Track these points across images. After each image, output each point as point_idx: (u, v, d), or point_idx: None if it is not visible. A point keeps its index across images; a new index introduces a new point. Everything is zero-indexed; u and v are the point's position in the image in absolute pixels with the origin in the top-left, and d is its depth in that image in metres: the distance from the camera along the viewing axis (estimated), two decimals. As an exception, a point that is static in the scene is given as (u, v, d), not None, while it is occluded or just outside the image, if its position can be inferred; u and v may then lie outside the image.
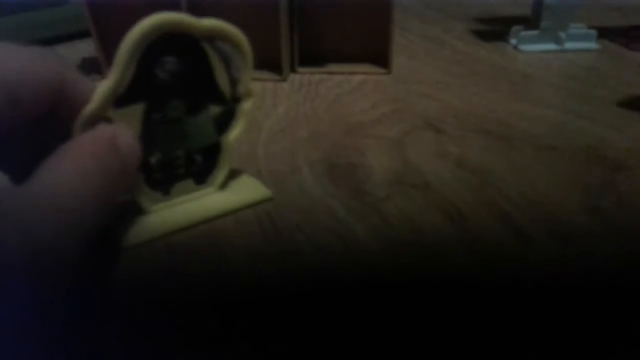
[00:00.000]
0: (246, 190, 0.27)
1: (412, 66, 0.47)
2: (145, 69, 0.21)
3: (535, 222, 0.24)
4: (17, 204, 0.15)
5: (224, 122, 0.25)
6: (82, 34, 0.50)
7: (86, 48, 0.50)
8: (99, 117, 0.21)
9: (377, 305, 0.20)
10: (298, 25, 0.44)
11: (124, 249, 0.23)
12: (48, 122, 0.19)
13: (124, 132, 0.20)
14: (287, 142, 0.32)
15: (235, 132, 0.26)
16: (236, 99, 0.25)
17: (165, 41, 0.21)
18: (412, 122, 0.35)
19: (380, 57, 0.45)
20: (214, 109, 0.25)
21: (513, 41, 0.53)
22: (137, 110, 0.22)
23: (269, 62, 0.44)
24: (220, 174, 0.26)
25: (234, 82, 0.25)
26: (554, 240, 0.23)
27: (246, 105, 0.26)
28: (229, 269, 0.22)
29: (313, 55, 0.46)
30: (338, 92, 0.41)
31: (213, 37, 0.23)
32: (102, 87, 0.21)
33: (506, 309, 0.19)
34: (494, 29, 0.58)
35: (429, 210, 0.25)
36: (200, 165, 0.26)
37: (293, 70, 0.45)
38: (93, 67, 0.46)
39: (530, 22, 0.53)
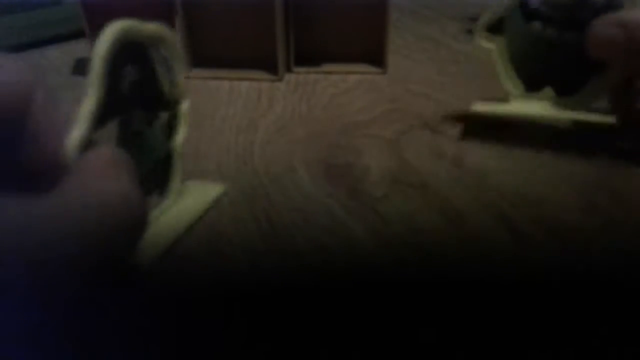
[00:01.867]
0: (202, 193, 0.26)
1: (408, 66, 0.47)
2: (112, 83, 0.20)
3: (533, 221, 0.24)
4: (33, 216, 0.14)
5: (172, 127, 0.25)
6: (77, 35, 0.50)
7: (81, 48, 0.50)
8: (88, 141, 0.19)
9: (374, 303, 0.20)
10: (294, 25, 0.44)
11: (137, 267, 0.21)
12: (9, 144, 0.17)
13: (117, 151, 0.19)
14: (283, 142, 0.32)
15: (181, 136, 0.25)
16: (177, 101, 0.24)
17: (124, 51, 0.20)
18: (408, 122, 0.35)
19: (376, 57, 0.45)
20: (163, 116, 0.24)
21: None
22: (111, 128, 0.21)
23: (264, 62, 0.44)
24: (176, 183, 0.25)
25: (173, 84, 0.24)
26: (551, 238, 0.23)
27: (185, 106, 0.25)
28: (228, 268, 0.22)
29: (309, 55, 0.46)
30: (334, 91, 0.41)
31: (155, 41, 0.22)
32: (85, 107, 0.19)
33: (504, 307, 0.19)
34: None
35: (426, 210, 0.25)
36: (159, 177, 0.24)
37: (289, 70, 0.45)
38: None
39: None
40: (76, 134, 0.18)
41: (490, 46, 0.32)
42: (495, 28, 0.31)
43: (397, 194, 0.27)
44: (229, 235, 0.24)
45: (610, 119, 0.30)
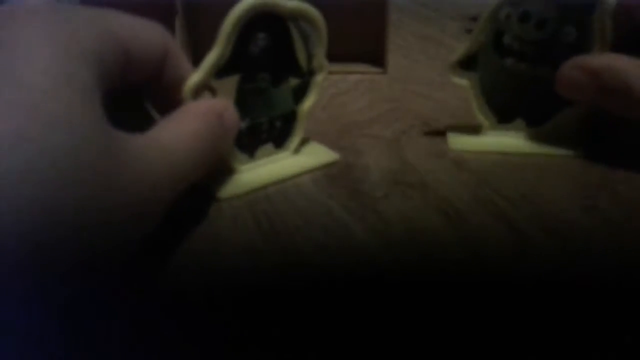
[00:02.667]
0: (317, 155, 0.30)
1: (408, 65, 0.47)
2: (240, 45, 0.25)
3: (533, 221, 0.24)
4: (135, 146, 0.18)
5: (301, 93, 0.29)
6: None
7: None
8: (204, 86, 0.24)
9: (375, 303, 0.20)
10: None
11: (216, 201, 0.26)
12: (149, 89, 0.24)
13: (229, 105, 0.25)
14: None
15: (309, 102, 0.29)
16: (311, 72, 0.29)
17: (259, 20, 0.25)
18: (408, 122, 0.35)
19: (376, 57, 0.45)
20: (293, 81, 0.28)
21: (508, 40, 0.53)
22: (232, 80, 0.26)
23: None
24: (295, 140, 0.30)
25: (310, 57, 0.28)
26: (551, 238, 0.23)
27: (319, 78, 0.29)
28: (227, 268, 0.22)
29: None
30: (334, 91, 0.41)
31: (296, 17, 0.26)
32: (209, 59, 0.24)
33: (504, 306, 0.19)
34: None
35: (426, 210, 0.25)
36: (280, 131, 0.29)
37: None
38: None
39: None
40: (194, 78, 0.24)
41: (463, 82, 0.32)
42: (468, 64, 0.32)
43: (397, 194, 0.27)
44: (229, 235, 0.24)
45: (574, 153, 0.31)
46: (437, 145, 0.32)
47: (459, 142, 0.32)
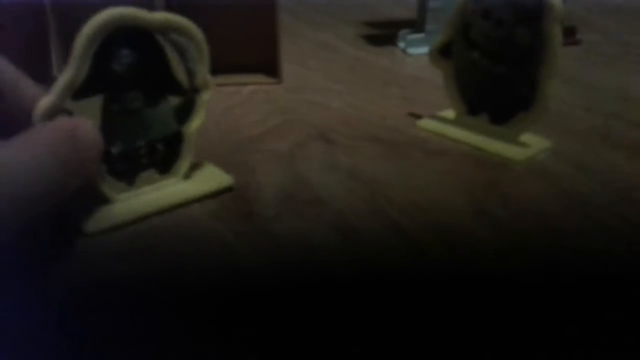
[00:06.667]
0: (208, 179, 0.27)
1: (303, 74, 0.47)
2: (102, 62, 0.22)
3: (424, 229, 0.24)
4: None
5: (185, 113, 0.26)
6: None
7: None
8: (58, 109, 0.21)
9: (272, 326, 0.19)
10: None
11: (86, 236, 0.23)
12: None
13: (84, 123, 0.21)
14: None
15: (195, 123, 0.27)
16: (195, 90, 0.26)
17: (121, 35, 0.22)
18: (303, 133, 0.35)
19: (270, 67, 0.44)
20: (173, 100, 0.26)
21: (401, 45, 0.54)
22: (95, 102, 0.23)
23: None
24: (183, 164, 0.27)
25: (190, 73, 0.25)
26: (443, 245, 0.23)
27: (205, 96, 0.26)
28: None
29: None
30: (228, 104, 0.40)
31: (166, 29, 0.24)
32: (61, 80, 0.21)
33: (407, 318, 0.19)
34: (384, 33, 0.59)
35: (319, 227, 0.25)
36: (163, 155, 0.26)
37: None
38: None
39: (416, 25, 0.54)
40: (45, 102, 0.21)
41: (441, 67, 0.34)
42: (446, 52, 0.33)
43: (290, 212, 0.26)
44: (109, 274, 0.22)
45: (526, 158, 0.30)
46: (332, 157, 0.31)
47: (427, 122, 0.35)
